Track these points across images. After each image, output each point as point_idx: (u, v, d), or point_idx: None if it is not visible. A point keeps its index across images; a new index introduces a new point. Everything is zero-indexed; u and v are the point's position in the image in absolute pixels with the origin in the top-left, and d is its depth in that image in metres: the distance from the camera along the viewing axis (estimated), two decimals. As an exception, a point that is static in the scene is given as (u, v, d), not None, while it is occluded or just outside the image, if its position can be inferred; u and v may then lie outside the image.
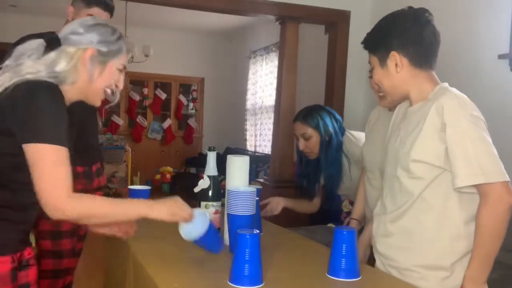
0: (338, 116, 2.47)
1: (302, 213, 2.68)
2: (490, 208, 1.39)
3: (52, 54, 1.40)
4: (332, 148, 2.37)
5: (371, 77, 2.01)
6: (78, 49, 1.41)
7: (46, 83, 1.35)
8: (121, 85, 1.53)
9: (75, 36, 1.43)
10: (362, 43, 1.64)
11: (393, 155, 1.60)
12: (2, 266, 1.36)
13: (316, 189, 2.54)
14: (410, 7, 1.56)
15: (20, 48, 1.42)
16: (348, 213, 2.50)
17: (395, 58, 1.52)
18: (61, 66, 1.39)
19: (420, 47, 1.52)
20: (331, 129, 2.38)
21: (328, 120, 2.40)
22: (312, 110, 2.45)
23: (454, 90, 1.51)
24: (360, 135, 2.44)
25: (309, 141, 2.40)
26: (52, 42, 1.42)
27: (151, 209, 1.44)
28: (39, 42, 1.42)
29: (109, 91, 1.50)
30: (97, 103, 1.51)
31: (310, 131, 2.39)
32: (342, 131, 2.44)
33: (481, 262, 1.43)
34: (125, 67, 1.52)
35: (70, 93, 1.43)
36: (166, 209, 1.48)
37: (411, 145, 1.49)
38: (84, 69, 1.42)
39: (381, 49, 1.55)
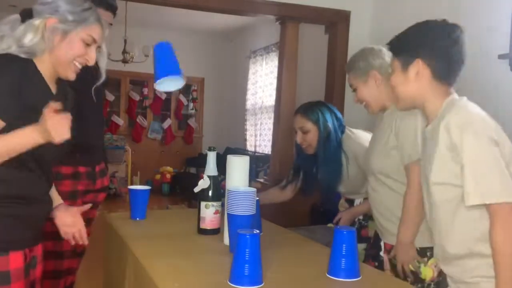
0: (339, 114, 2.48)
1: (271, 203, 2.68)
2: (499, 229, 1.36)
3: (21, 27, 1.43)
4: (331, 144, 2.37)
5: (354, 90, 2.04)
6: (43, 19, 1.43)
7: (5, 56, 1.38)
8: (91, 60, 1.51)
9: (42, 6, 1.46)
10: (388, 44, 1.63)
11: (424, 180, 1.58)
12: (16, 261, 1.37)
13: (313, 185, 2.55)
14: (444, 20, 1.55)
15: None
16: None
17: (418, 66, 1.51)
18: (28, 38, 1.41)
19: (445, 62, 1.51)
20: (330, 126, 2.39)
21: (328, 116, 2.41)
22: (314, 105, 2.46)
23: (459, 103, 1.49)
24: (360, 133, 2.45)
25: (307, 135, 2.41)
26: (25, 15, 1.45)
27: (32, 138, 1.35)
28: (15, 17, 1.47)
29: (79, 65, 1.49)
30: (69, 76, 1.50)
31: (309, 125, 2.40)
32: (342, 129, 2.45)
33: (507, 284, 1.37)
34: (95, 40, 1.50)
35: (45, 66, 1.46)
36: (39, 128, 1.35)
37: (431, 168, 1.48)
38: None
39: (406, 53, 1.54)
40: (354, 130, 2.48)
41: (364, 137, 2.41)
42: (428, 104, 1.54)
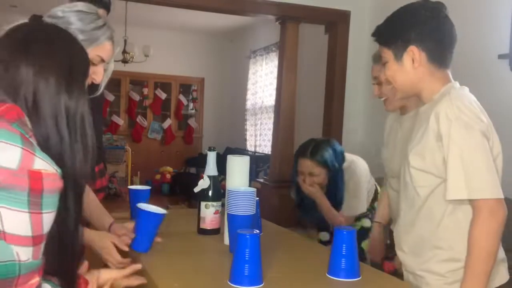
0: (339, 147, 2.47)
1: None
2: (480, 225, 1.33)
3: None
4: (339, 180, 2.40)
5: (374, 83, 1.98)
6: None
7: None
8: (98, 79, 1.48)
9: (52, 19, 1.40)
10: (373, 35, 1.55)
11: (404, 161, 1.55)
12: None
13: (314, 214, 2.54)
14: (426, 1, 1.48)
15: None
16: None
17: (413, 53, 1.44)
18: None
19: (439, 42, 1.45)
20: (337, 165, 2.39)
21: (333, 155, 2.40)
22: (318, 145, 2.42)
23: (456, 92, 1.44)
24: (357, 164, 2.45)
25: (316, 177, 2.41)
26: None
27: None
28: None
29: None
30: None
31: (318, 169, 2.39)
32: (343, 158, 2.45)
33: (473, 281, 1.35)
34: (103, 60, 1.48)
35: None
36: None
37: (411, 151, 1.46)
38: None
39: (398, 42, 1.46)
40: (353, 158, 2.49)
41: (362, 165, 2.46)
42: (426, 89, 1.47)
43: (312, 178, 2.40)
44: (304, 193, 2.48)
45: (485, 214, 1.32)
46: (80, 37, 1.41)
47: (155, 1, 4.20)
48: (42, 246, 0.93)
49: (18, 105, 0.96)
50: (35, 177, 0.87)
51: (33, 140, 0.94)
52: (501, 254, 1.47)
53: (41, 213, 0.90)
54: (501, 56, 3.08)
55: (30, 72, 0.98)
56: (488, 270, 1.35)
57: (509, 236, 1.49)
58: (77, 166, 1.01)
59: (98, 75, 1.48)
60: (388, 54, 1.49)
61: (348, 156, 2.49)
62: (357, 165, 2.45)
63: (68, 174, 0.97)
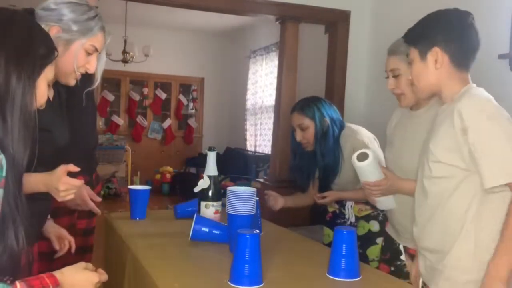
0: (335, 110, 2.47)
1: (302, 207, 2.67)
2: None
3: None
4: (328, 139, 2.36)
5: (387, 77, 1.95)
6: (46, 25, 1.40)
7: None
8: (92, 68, 1.50)
9: (45, 11, 1.43)
10: (403, 36, 1.64)
11: (424, 157, 1.57)
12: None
13: (310, 182, 2.54)
14: (456, 9, 1.58)
15: None
16: (334, 213, 2.49)
17: (437, 54, 1.52)
18: None
19: (462, 46, 1.53)
20: (327, 120, 2.38)
21: (324, 111, 2.41)
22: (310, 100, 2.45)
23: (475, 91, 1.51)
24: (360, 129, 2.43)
25: (306, 131, 2.39)
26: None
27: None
28: None
29: (79, 73, 1.48)
30: (70, 83, 1.50)
31: (307, 121, 2.38)
32: (341, 124, 2.44)
33: (507, 256, 1.36)
34: (97, 50, 1.49)
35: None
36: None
37: (435, 146, 1.49)
38: None
39: (424, 42, 1.55)
40: (354, 126, 2.46)
41: (365, 133, 2.40)
42: (446, 90, 1.55)
43: (303, 134, 2.40)
44: (300, 155, 2.50)
45: None
46: (74, 27, 1.43)
47: (155, 1, 4.19)
48: None
49: None
50: None
51: None
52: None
53: None
54: (501, 56, 3.07)
55: None
56: None
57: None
58: (17, 151, 0.99)
59: (92, 65, 1.50)
60: (414, 53, 1.58)
61: (351, 125, 2.47)
62: (356, 131, 2.41)
63: (7, 156, 0.96)
